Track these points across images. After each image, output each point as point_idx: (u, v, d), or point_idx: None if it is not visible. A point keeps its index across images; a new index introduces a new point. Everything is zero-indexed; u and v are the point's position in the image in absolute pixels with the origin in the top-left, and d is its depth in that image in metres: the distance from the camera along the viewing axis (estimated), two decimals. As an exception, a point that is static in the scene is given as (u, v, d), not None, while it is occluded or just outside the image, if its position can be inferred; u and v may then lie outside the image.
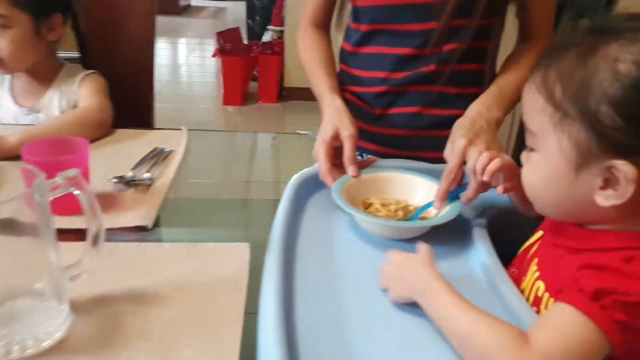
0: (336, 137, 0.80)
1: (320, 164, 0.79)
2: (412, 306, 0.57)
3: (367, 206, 0.78)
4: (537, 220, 0.68)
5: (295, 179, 0.83)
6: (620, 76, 0.46)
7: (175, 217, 0.87)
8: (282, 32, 4.09)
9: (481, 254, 0.67)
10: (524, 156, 0.59)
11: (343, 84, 0.99)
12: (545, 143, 0.53)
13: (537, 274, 0.59)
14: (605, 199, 0.49)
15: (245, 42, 4.36)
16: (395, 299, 0.58)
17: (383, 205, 0.76)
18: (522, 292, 0.61)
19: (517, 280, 0.64)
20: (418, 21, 0.89)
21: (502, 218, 0.78)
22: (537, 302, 0.58)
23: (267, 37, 4.31)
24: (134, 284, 0.62)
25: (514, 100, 0.85)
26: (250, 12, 4.61)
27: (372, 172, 0.82)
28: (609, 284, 0.45)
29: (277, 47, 3.99)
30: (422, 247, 0.59)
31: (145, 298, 0.60)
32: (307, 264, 0.66)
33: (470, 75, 0.94)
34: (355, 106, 0.98)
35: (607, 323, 0.44)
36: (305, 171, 0.85)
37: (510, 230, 0.79)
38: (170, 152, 1.03)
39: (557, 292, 0.51)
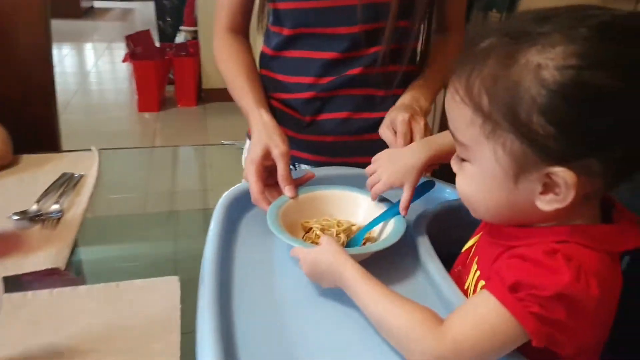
0: (267, 156, 0.75)
1: (251, 187, 0.73)
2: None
3: (307, 230, 0.73)
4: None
5: (225, 197, 0.77)
6: (546, 83, 0.44)
7: (96, 238, 0.78)
8: (195, 32, 3.95)
9: (421, 254, 0.67)
10: (454, 165, 0.57)
11: (267, 90, 0.94)
12: (479, 154, 0.51)
13: (478, 273, 0.58)
14: (548, 204, 0.48)
15: (158, 44, 4.17)
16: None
17: (323, 229, 0.71)
18: (465, 291, 0.60)
19: (460, 279, 0.63)
20: (344, 24, 0.86)
21: (446, 217, 0.76)
22: None
23: (180, 38, 4.14)
24: (48, 340, 0.54)
25: (437, 91, 0.91)
26: (160, 12, 4.41)
27: (310, 191, 0.77)
28: (526, 277, 0.46)
29: (192, 49, 3.85)
30: (323, 239, 0.60)
31: (63, 356, 0.52)
32: (246, 297, 0.60)
33: (399, 77, 0.92)
34: (283, 114, 0.94)
35: (523, 314, 0.45)
36: (235, 188, 0.79)
37: (456, 229, 0.78)
38: (81, 177, 0.93)
39: (486, 280, 0.51)
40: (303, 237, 0.71)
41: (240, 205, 0.77)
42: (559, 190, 0.47)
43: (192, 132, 3.47)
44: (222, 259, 0.64)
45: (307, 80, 0.91)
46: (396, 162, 0.72)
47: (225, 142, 1.16)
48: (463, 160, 0.54)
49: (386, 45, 0.87)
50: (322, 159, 0.95)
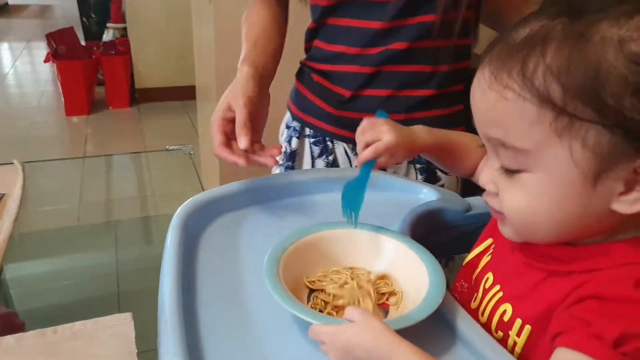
0: (229, 108, 0.72)
1: (213, 139, 0.71)
2: None
3: (312, 289, 0.57)
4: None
5: (182, 209, 0.67)
6: (636, 57, 0.38)
7: (25, 255, 0.66)
8: (124, 29, 3.72)
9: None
10: (498, 179, 0.47)
11: (315, 61, 0.91)
12: (546, 159, 0.42)
13: (501, 294, 0.52)
14: (631, 205, 0.41)
15: (83, 43, 3.90)
16: None
17: (342, 286, 0.56)
18: (474, 311, 0.54)
19: (468, 297, 0.56)
20: None
21: (426, 220, 0.70)
22: (503, 327, 0.50)
23: (107, 36, 3.89)
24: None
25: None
26: (84, 9, 4.12)
27: (305, 234, 0.61)
28: (632, 326, 0.38)
29: (121, 47, 3.61)
30: (352, 313, 0.47)
31: None
32: (214, 336, 0.52)
33: (449, 52, 0.85)
34: (324, 89, 0.90)
35: None
36: (194, 199, 0.70)
37: (437, 232, 0.73)
38: (3, 196, 0.80)
39: (555, 334, 0.43)
40: (309, 299, 0.56)
41: (201, 216, 0.69)
42: None
43: (126, 136, 3.27)
44: (182, 285, 0.55)
45: (351, 50, 0.85)
46: (402, 129, 0.64)
47: (172, 148, 1.04)
48: (515, 171, 0.45)
49: (436, 15, 0.80)
50: None
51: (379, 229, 0.62)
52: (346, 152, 0.93)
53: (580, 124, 0.40)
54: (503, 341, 0.50)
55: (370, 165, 0.62)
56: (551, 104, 0.40)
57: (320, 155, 0.94)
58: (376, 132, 0.62)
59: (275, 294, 0.50)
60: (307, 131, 0.94)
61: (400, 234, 0.61)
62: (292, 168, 0.97)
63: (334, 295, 0.54)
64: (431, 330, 0.48)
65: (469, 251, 0.82)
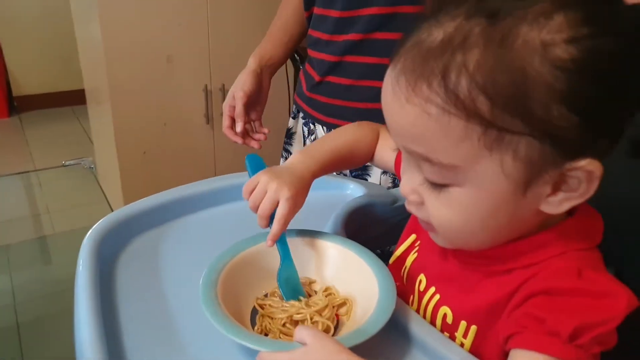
0: (234, 98, 0.93)
1: (223, 121, 0.95)
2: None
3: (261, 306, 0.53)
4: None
5: (94, 232, 0.60)
6: (562, 63, 0.35)
7: None
8: (-7, 31, 3.35)
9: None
10: (425, 194, 0.44)
11: (307, 43, 1.00)
12: (475, 173, 0.40)
13: (438, 297, 0.51)
14: (558, 205, 0.41)
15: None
16: None
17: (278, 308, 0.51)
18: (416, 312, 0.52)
19: (403, 298, 0.55)
20: None
21: (356, 216, 0.69)
22: (448, 329, 0.50)
23: (-27, 39, 3.48)
24: None
25: None
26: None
27: (251, 246, 0.56)
28: (583, 317, 0.38)
29: (-9, 51, 3.25)
30: (302, 333, 0.43)
31: None
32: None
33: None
34: (305, 71, 1.01)
35: None
36: (105, 219, 0.63)
37: (369, 227, 0.71)
38: None
39: (509, 335, 0.42)
40: (254, 319, 0.52)
41: (114, 239, 0.62)
42: (576, 185, 0.40)
43: (8, 148, 2.94)
44: (103, 322, 0.49)
45: (323, 36, 0.92)
46: (285, 175, 0.56)
47: (69, 163, 0.94)
48: (442, 185, 0.42)
49: (379, 7, 0.82)
50: (333, 121, 0.93)
51: (316, 233, 0.59)
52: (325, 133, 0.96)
53: (510, 137, 0.37)
54: None
55: (284, 237, 0.56)
56: (479, 118, 0.37)
57: (309, 135, 1.00)
58: (270, 198, 0.54)
59: (217, 323, 0.45)
60: (302, 113, 1.03)
61: (339, 237, 0.59)
62: (289, 145, 1.09)
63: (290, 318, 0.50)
64: (385, 336, 0.46)
65: (393, 244, 0.82)
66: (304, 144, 1.03)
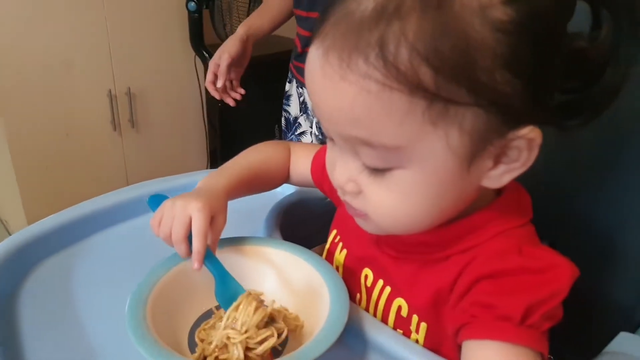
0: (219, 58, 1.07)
1: (207, 76, 1.10)
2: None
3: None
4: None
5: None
6: (502, 26, 0.33)
7: None
8: None
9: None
10: (356, 178, 0.41)
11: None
12: (420, 152, 0.37)
13: (389, 289, 0.48)
14: (498, 179, 0.39)
15: None
16: None
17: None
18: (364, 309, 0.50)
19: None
20: None
21: (288, 216, 0.65)
22: (402, 324, 0.47)
23: None
24: None
25: None
26: None
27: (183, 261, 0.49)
28: (534, 295, 0.37)
29: None
30: None
31: None
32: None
33: None
34: (294, 44, 1.18)
35: (539, 341, 0.37)
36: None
37: (301, 226, 0.68)
38: None
39: (459, 327, 0.40)
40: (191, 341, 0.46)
41: (14, 267, 0.53)
42: (516, 156, 0.38)
43: None
44: None
45: (302, 13, 1.10)
46: (188, 194, 0.51)
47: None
48: (384, 170, 0.39)
49: None
50: None
51: (251, 240, 0.54)
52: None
53: (455, 109, 0.35)
54: None
55: (211, 254, 0.49)
56: (422, 90, 0.34)
57: (299, 97, 1.20)
58: (179, 218, 0.47)
59: (143, 349, 0.39)
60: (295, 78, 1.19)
61: (280, 242, 0.54)
62: (287, 106, 1.25)
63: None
64: (339, 342, 0.42)
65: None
66: (299, 104, 1.21)
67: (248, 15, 1.80)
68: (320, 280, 0.47)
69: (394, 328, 0.47)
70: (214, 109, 1.97)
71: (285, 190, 0.70)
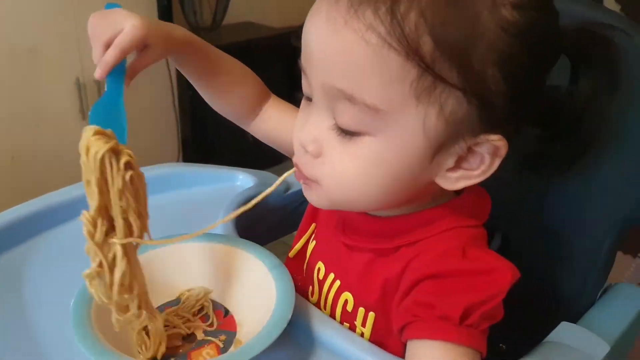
0: None
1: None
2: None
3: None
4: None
5: None
6: (506, 25, 0.35)
7: None
8: None
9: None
10: (321, 140, 0.41)
11: None
12: (395, 123, 0.37)
13: (338, 283, 0.48)
14: (454, 182, 0.40)
15: None
16: None
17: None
18: (316, 305, 0.50)
19: (304, 291, 0.52)
20: None
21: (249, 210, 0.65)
22: (347, 318, 0.48)
23: None
24: None
25: None
26: None
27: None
28: (471, 297, 0.38)
29: None
30: None
31: None
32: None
33: None
34: None
35: (477, 340, 0.38)
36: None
37: (260, 222, 0.68)
38: None
39: (402, 326, 0.41)
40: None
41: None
42: (477, 163, 0.39)
43: None
44: None
45: None
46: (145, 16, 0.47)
47: None
48: (352, 133, 0.39)
49: None
50: None
51: (205, 236, 0.53)
52: None
53: (442, 88, 0.35)
54: None
55: (119, 71, 0.46)
56: (418, 58, 0.34)
57: None
58: (112, 23, 0.46)
59: (84, 347, 0.39)
60: None
61: (231, 237, 0.54)
62: None
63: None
64: (284, 336, 0.43)
65: (290, 232, 0.80)
66: None
67: (218, 4, 1.78)
68: (268, 277, 0.48)
69: (341, 322, 0.48)
70: (185, 96, 1.95)
71: (244, 184, 0.70)
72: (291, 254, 0.56)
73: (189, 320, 0.47)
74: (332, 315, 0.48)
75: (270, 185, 0.70)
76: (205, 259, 0.52)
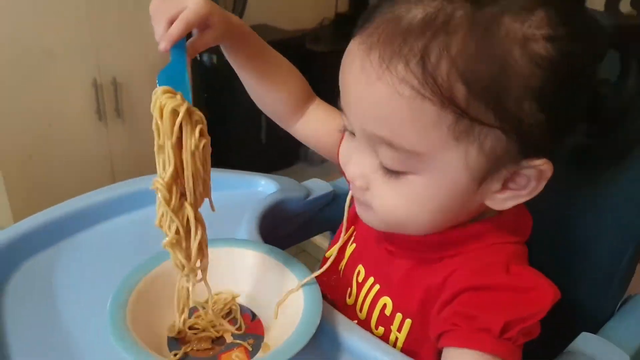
0: None
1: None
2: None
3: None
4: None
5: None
6: (540, 60, 0.35)
7: None
8: None
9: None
10: (368, 176, 0.42)
11: None
12: (437, 162, 0.38)
13: (377, 287, 0.50)
14: (502, 202, 0.41)
15: None
16: None
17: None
18: (352, 307, 0.52)
19: (341, 293, 0.54)
20: None
21: (271, 214, 0.66)
22: (384, 322, 0.49)
23: None
24: None
25: None
26: None
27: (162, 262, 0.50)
28: (513, 312, 0.39)
29: None
30: None
31: None
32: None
33: None
34: None
35: (514, 354, 0.40)
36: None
37: (284, 226, 0.69)
38: None
39: (440, 333, 0.42)
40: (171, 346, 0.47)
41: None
42: (524, 183, 0.40)
43: None
44: None
45: None
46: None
47: None
48: (398, 173, 0.40)
49: None
50: None
51: (231, 242, 0.55)
52: None
53: (479, 129, 0.37)
54: (385, 337, 0.48)
55: (181, 46, 0.47)
56: (453, 105, 0.35)
57: None
58: (176, 1, 0.47)
59: (123, 349, 0.40)
60: None
61: (257, 243, 0.55)
62: None
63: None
64: (313, 344, 0.44)
65: (309, 238, 0.81)
66: None
67: (234, 5, 1.79)
68: (295, 282, 0.49)
69: (377, 326, 0.49)
70: (200, 99, 1.97)
71: (266, 190, 0.71)
72: (328, 254, 0.57)
73: (217, 323, 0.48)
74: (369, 318, 0.50)
75: (293, 190, 0.71)
76: (232, 263, 0.53)
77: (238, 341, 0.47)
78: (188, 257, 0.42)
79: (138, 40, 1.85)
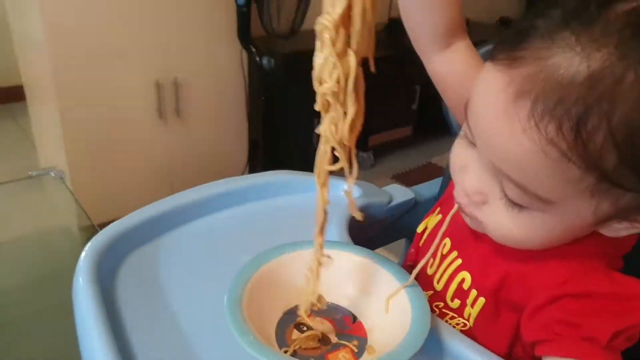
0: None
1: None
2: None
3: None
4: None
5: (90, 248, 0.56)
6: None
7: None
8: None
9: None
10: (488, 195, 0.42)
11: None
12: (566, 207, 0.38)
13: (459, 261, 0.50)
14: (618, 231, 0.41)
15: None
16: None
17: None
18: (431, 277, 0.53)
19: (416, 259, 0.56)
20: None
21: (354, 222, 0.67)
22: (461, 295, 0.49)
23: None
24: None
25: None
26: None
27: (273, 257, 0.53)
28: (620, 321, 0.39)
29: None
30: None
31: None
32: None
33: None
34: None
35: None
36: (103, 233, 0.58)
37: (370, 228, 0.71)
38: None
39: (537, 341, 0.42)
40: (279, 336, 0.49)
41: (113, 255, 0.58)
42: None
43: None
44: (113, 341, 0.46)
45: None
46: None
47: (35, 173, 0.87)
48: (519, 205, 0.40)
49: None
50: None
51: (333, 243, 0.56)
52: None
53: (616, 190, 0.36)
54: (460, 310, 0.49)
55: None
56: (598, 172, 0.34)
57: None
58: None
59: (248, 345, 0.42)
60: None
61: (354, 246, 0.57)
62: None
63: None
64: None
65: (385, 244, 0.81)
66: None
67: (297, 11, 1.82)
68: (396, 284, 0.49)
69: (452, 298, 0.50)
70: (257, 101, 2.01)
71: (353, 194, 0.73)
72: (420, 228, 0.59)
73: (320, 323, 0.50)
74: (445, 290, 0.51)
75: (376, 195, 0.72)
76: (332, 265, 0.55)
77: (343, 342, 0.49)
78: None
79: (199, 43, 1.90)
